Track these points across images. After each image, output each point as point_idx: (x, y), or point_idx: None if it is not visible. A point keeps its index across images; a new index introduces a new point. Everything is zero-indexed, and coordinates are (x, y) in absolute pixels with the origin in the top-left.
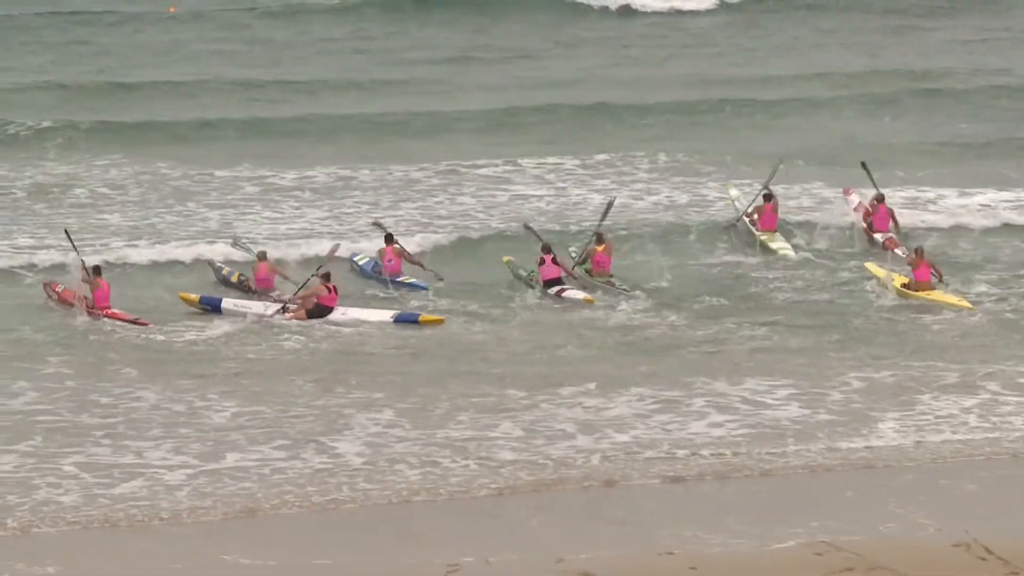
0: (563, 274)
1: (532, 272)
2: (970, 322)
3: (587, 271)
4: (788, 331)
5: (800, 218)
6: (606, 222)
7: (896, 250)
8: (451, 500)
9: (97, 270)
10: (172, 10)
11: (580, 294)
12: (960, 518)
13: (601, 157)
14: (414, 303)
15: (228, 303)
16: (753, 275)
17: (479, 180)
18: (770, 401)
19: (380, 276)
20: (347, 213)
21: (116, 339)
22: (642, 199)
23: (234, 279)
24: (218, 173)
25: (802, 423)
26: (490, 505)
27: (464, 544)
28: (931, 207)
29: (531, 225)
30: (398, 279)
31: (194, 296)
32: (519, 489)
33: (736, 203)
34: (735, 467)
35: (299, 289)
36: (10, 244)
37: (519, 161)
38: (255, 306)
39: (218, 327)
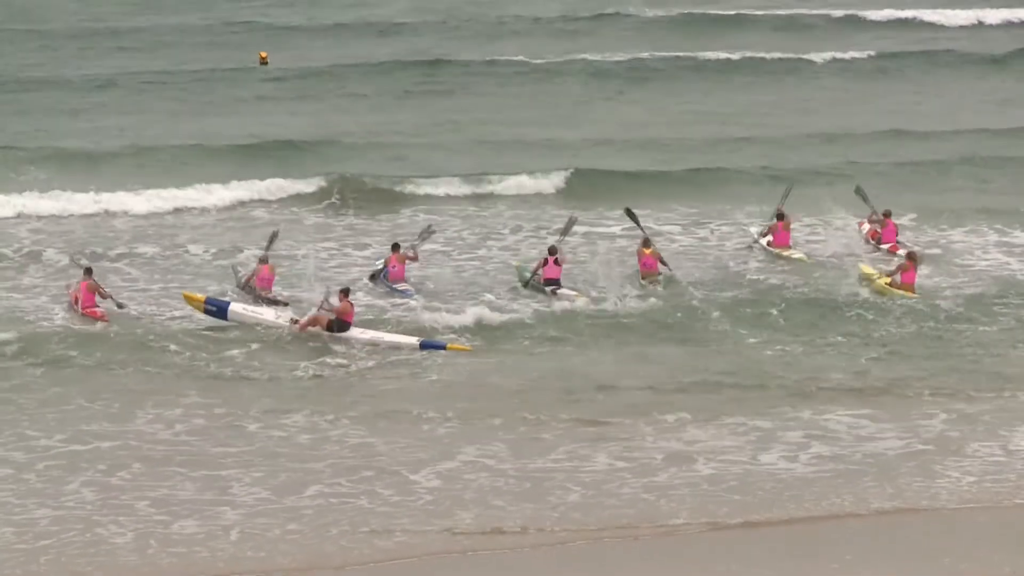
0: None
1: (536, 273)
2: None
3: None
4: (879, 361)
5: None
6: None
7: (899, 252)
8: (509, 549)
9: (88, 271)
10: (263, 56)
11: (572, 293)
12: None
13: None
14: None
15: (236, 307)
16: (841, 304)
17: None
18: (856, 433)
19: (387, 281)
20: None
21: (257, 373)
22: None
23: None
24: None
25: (880, 459)
26: (545, 556)
27: None
28: None
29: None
30: (398, 286)
31: (199, 296)
32: (579, 536)
33: (753, 230)
34: (813, 510)
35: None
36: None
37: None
38: (266, 312)
39: (362, 356)
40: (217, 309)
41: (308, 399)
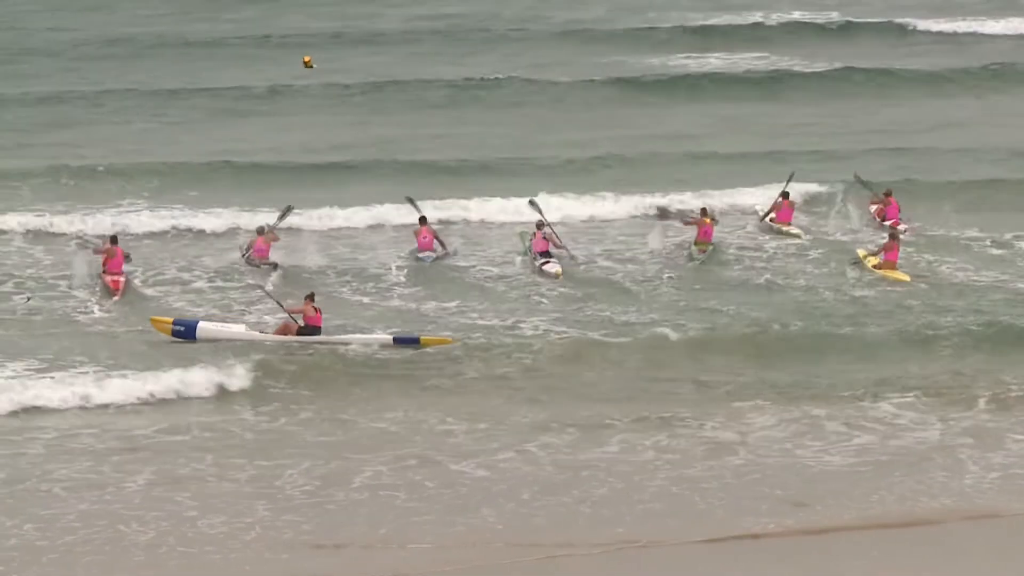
0: (551, 248)
1: (528, 246)
2: None
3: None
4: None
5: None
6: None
7: (900, 225)
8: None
9: (114, 239)
10: (307, 60)
11: (555, 268)
12: None
13: None
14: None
15: (206, 325)
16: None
17: None
18: (895, 424)
19: (416, 251)
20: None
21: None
22: None
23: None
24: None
25: (911, 455)
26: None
27: None
28: None
29: (536, 202)
30: (422, 254)
31: (167, 319)
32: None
33: (759, 209)
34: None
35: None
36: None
37: None
38: (235, 328)
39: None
40: (185, 329)
41: (402, 388)
